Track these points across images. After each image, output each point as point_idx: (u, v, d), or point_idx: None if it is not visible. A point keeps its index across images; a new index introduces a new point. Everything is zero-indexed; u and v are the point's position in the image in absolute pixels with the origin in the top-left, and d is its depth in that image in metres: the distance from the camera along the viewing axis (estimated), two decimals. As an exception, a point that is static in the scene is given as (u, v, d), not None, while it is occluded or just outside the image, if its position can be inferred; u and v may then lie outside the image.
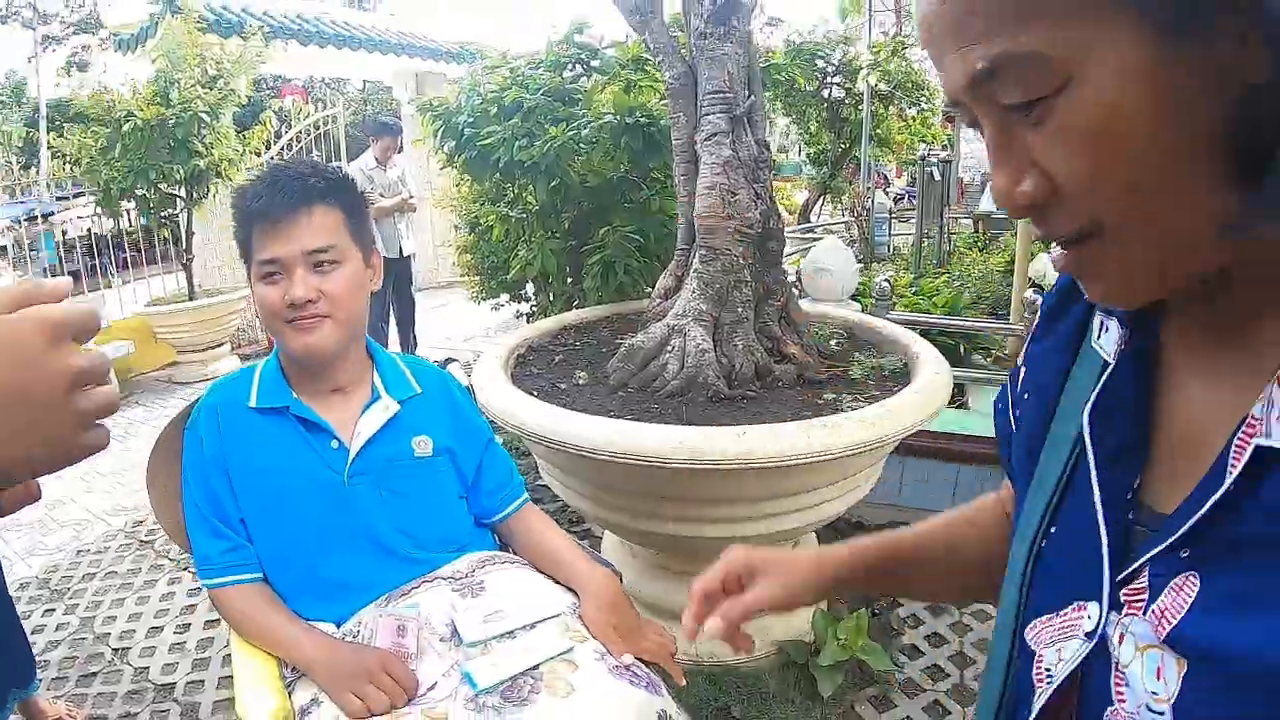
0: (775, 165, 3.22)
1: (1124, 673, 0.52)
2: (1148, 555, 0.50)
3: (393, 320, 5.57)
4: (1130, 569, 0.52)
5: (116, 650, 2.84)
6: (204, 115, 5.97)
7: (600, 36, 3.46)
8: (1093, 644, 0.54)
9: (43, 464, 0.51)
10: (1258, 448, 0.44)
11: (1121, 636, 0.52)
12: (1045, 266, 2.56)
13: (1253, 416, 0.45)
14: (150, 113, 5.82)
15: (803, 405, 2.01)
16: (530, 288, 3.62)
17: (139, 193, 6.08)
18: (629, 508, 1.91)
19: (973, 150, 13.66)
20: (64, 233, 9.61)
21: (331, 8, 10.20)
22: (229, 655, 2.71)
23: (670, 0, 2.61)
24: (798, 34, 6.29)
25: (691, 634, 0.77)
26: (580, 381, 2.17)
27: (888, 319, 2.80)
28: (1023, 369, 0.70)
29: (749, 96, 2.32)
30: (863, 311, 3.00)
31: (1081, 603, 0.56)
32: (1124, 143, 0.43)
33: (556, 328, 2.65)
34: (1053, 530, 0.60)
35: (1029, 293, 3.00)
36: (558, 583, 1.43)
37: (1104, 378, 0.57)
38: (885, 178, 11.17)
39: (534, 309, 3.70)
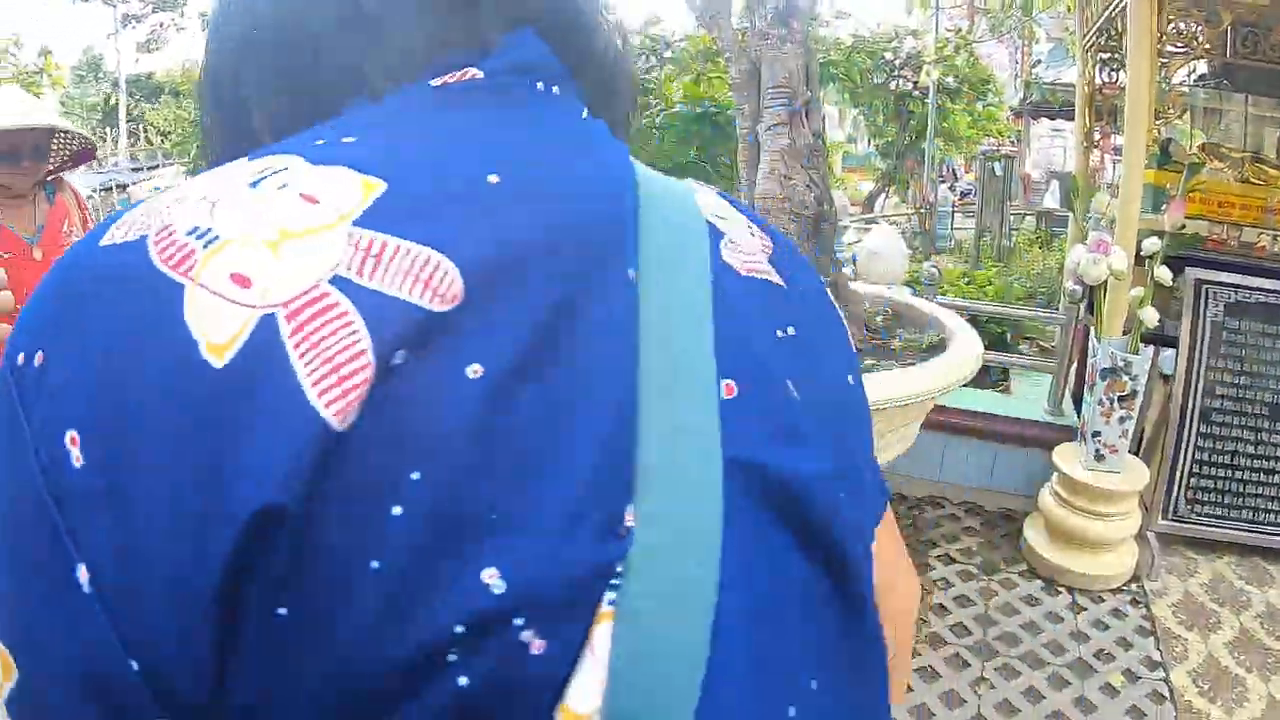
0: (844, 154, 3.41)
1: None
2: None
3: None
4: None
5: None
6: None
7: (672, 31, 3.71)
8: None
9: None
10: None
11: None
12: (1080, 256, 2.71)
13: None
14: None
15: (845, 369, 2.23)
16: None
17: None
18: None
19: (1041, 147, 13.51)
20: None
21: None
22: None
23: (736, 0, 2.84)
24: (866, 29, 6.42)
25: None
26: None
27: (933, 302, 2.99)
28: None
29: (806, 92, 2.54)
30: (911, 295, 3.20)
31: None
32: None
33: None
34: None
35: (1069, 284, 3.15)
36: None
37: None
38: (954, 173, 11.17)
39: None
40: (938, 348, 2.43)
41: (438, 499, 0.29)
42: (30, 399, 0.30)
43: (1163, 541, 3.00)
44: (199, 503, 0.27)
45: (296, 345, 0.29)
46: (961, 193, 9.31)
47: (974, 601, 2.72)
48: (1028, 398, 3.52)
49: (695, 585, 0.32)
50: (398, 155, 0.35)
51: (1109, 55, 4.00)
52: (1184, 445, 3.06)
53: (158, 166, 8.99)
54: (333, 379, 0.28)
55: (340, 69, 0.41)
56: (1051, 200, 7.98)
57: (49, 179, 2.44)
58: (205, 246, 0.30)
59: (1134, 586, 2.81)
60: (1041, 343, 4.08)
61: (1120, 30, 3.53)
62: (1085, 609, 2.69)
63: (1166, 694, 2.31)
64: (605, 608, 0.30)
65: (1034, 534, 2.96)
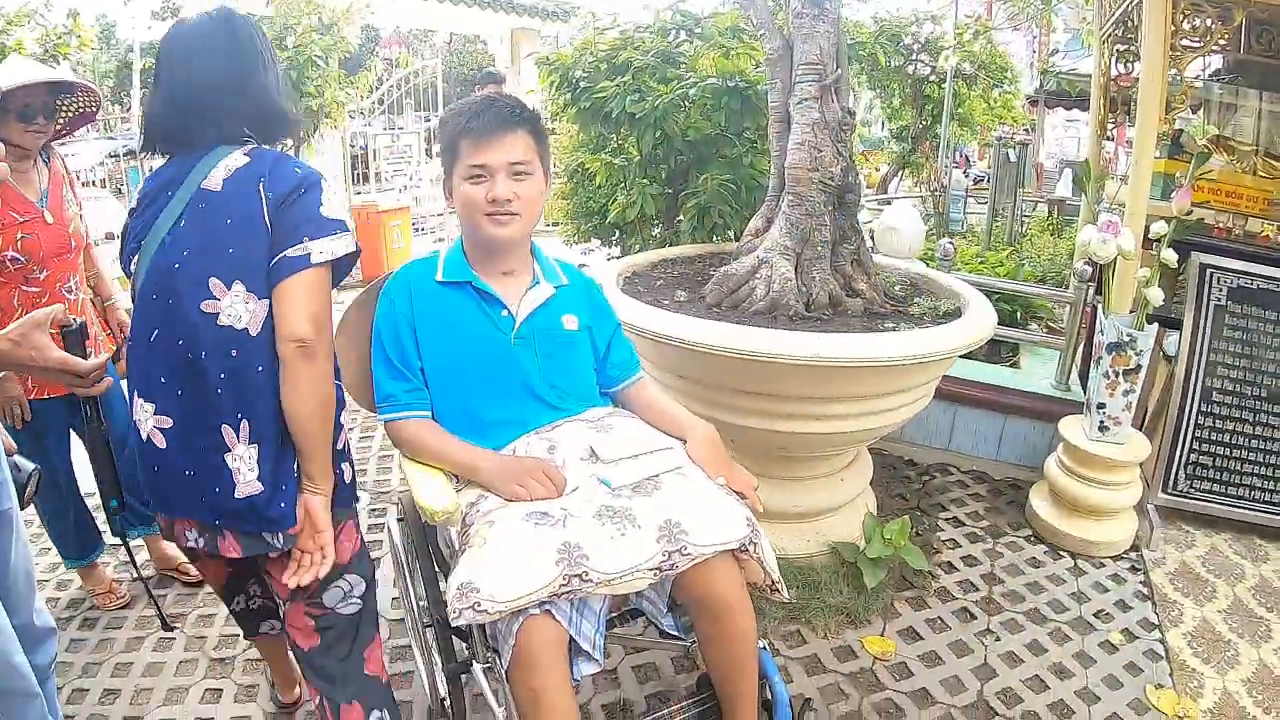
0: (859, 137, 3.52)
1: None
2: None
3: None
4: None
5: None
6: (317, 59, 6.36)
7: (701, 8, 3.80)
8: None
9: None
10: None
11: None
12: (1092, 235, 2.81)
13: None
14: (266, 56, 6.26)
15: (867, 330, 2.35)
16: (619, 234, 3.98)
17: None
18: (719, 401, 2.30)
19: (1056, 137, 13.55)
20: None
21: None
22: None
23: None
24: (885, 12, 6.46)
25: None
26: (680, 299, 2.55)
27: (948, 275, 3.09)
28: None
29: (837, 69, 2.64)
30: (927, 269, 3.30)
31: None
32: None
33: (657, 259, 3.05)
34: None
35: (1079, 264, 3.24)
36: (667, 434, 1.82)
37: None
38: (967, 158, 11.21)
39: (622, 255, 4.03)
40: (954, 315, 2.55)
41: None
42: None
43: (1162, 514, 3.11)
44: None
45: None
46: (975, 178, 9.38)
47: (980, 561, 2.84)
48: (1036, 373, 3.63)
49: None
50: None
51: (1125, 47, 4.08)
52: (1185, 423, 3.16)
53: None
54: None
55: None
56: (1064, 189, 8.06)
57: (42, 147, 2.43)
58: None
59: (1133, 554, 2.93)
60: (1051, 323, 4.18)
61: (1136, 23, 3.61)
62: (1086, 573, 2.82)
63: (1162, 653, 2.43)
64: None
65: (1039, 501, 3.08)
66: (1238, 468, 3.12)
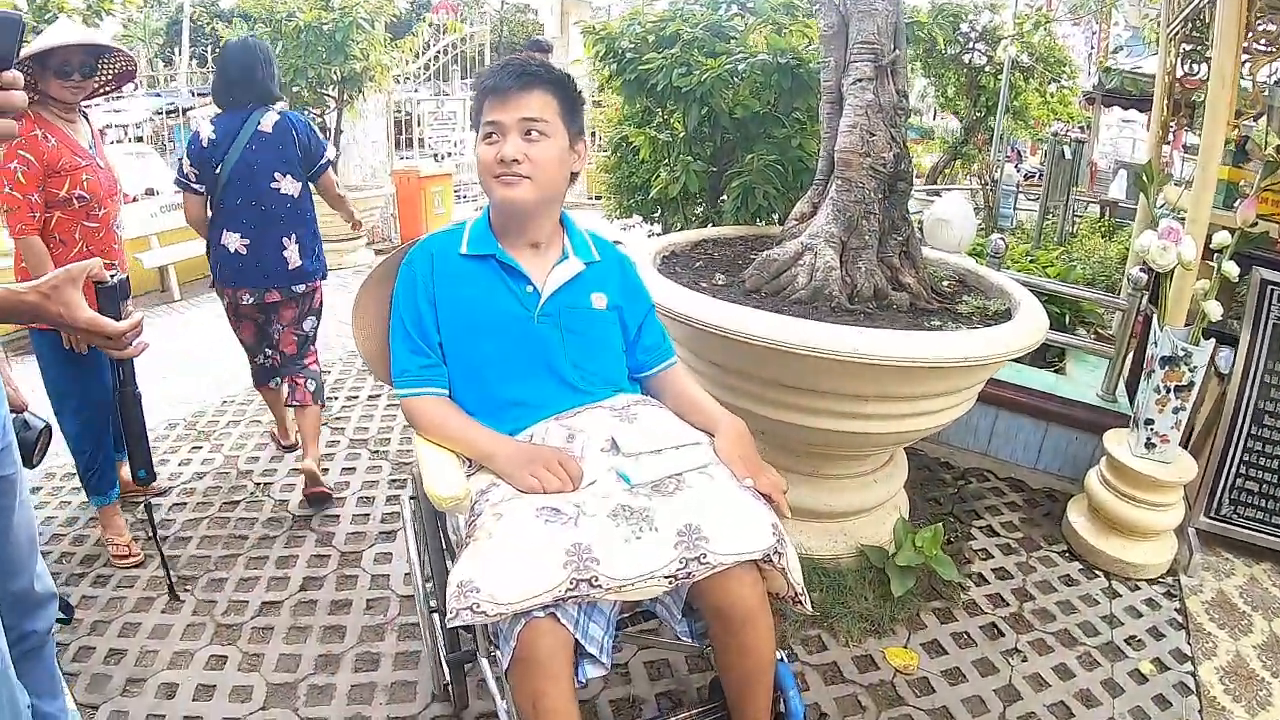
0: (910, 125, 3.38)
1: None
2: None
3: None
4: None
5: (259, 484, 3.23)
6: (362, 21, 6.29)
7: (753, -19, 3.65)
8: None
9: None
10: None
11: None
12: (1150, 241, 2.65)
13: None
14: (311, 15, 6.15)
15: (912, 326, 2.23)
16: (661, 211, 3.87)
17: (294, 90, 6.45)
18: (752, 392, 2.19)
19: (1110, 136, 13.15)
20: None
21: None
22: (363, 497, 3.12)
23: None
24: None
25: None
26: (719, 282, 2.45)
27: (999, 272, 2.95)
28: None
29: (894, 49, 2.50)
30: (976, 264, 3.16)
31: None
32: None
33: (697, 239, 2.94)
34: None
35: (1135, 269, 3.09)
36: (695, 428, 1.71)
37: None
38: (1019, 153, 10.91)
39: (664, 232, 3.92)
40: (1003, 316, 2.42)
41: None
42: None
43: (1202, 539, 2.97)
44: None
45: None
46: (1026, 174, 9.11)
47: (1012, 575, 2.72)
48: (1082, 381, 3.48)
49: None
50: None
51: (1192, 47, 3.88)
52: (1233, 445, 3.01)
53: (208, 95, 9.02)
54: None
55: None
56: (1117, 191, 7.81)
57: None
58: None
59: (1170, 579, 2.80)
60: (1100, 329, 4.02)
61: (1207, 21, 3.42)
62: (1120, 595, 2.69)
63: (1193, 687, 2.31)
64: None
65: (1076, 515, 2.95)
66: (1285, 496, 2.96)
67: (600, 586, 1.30)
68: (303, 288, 3.09)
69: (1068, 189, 6.15)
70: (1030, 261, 4.43)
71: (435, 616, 1.81)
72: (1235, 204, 2.77)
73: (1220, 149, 3.01)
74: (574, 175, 1.73)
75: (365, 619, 2.42)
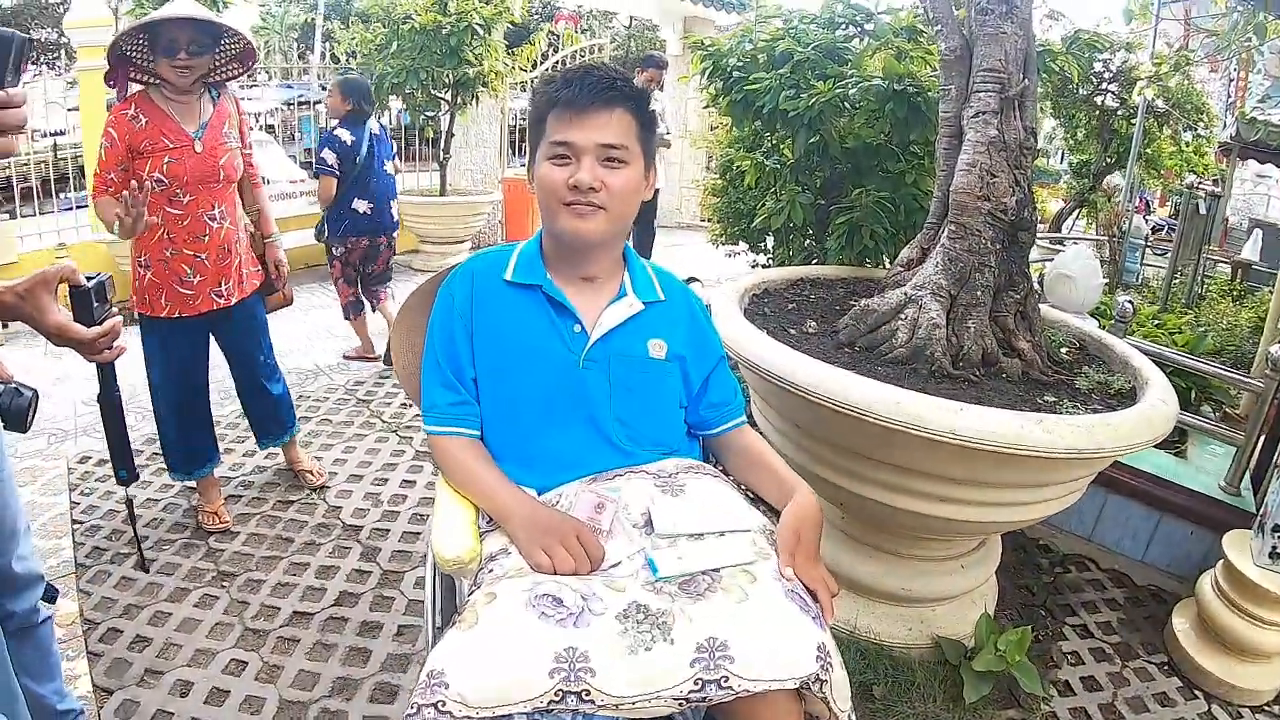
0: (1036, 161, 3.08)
1: None
2: None
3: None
4: None
5: (316, 488, 3.18)
6: (478, 27, 6.31)
7: (875, 1, 3.40)
8: None
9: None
10: None
11: None
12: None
13: None
14: (428, 18, 6.21)
15: (1022, 401, 1.96)
16: (769, 240, 3.66)
17: (408, 91, 6.53)
18: (832, 461, 1.96)
19: (1244, 191, 12.25)
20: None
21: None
22: (417, 514, 3.01)
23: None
24: (1081, 30, 5.84)
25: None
26: (809, 330, 2.22)
27: (1124, 341, 2.64)
28: None
29: (1023, 80, 2.24)
30: (1099, 329, 2.84)
31: None
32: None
33: (794, 277, 2.70)
34: None
35: (1276, 347, 2.71)
36: (754, 503, 1.48)
37: None
38: (1147, 203, 10.24)
39: (770, 262, 3.73)
40: (1127, 396, 2.12)
41: None
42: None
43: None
44: None
45: None
46: (1154, 226, 8.50)
47: (1102, 687, 2.40)
48: (1204, 468, 3.10)
49: None
50: None
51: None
52: (1374, 561, 2.60)
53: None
54: None
55: None
56: (1250, 251, 7.19)
57: (213, 82, 2.69)
58: None
59: (1277, 708, 2.43)
60: (1229, 408, 3.60)
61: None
62: None
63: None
64: None
65: (1181, 624, 2.60)
66: None
67: (592, 702, 1.09)
68: (395, 233, 4.76)
69: (1199, 247, 5.65)
70: (1157, 326, 4.03)
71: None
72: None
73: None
74: (653, 204, 1.54)
75: (393, 646, 2.30)
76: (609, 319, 1.48)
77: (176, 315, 2.67)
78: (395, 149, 4.95)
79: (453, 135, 7.03)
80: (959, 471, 1.78)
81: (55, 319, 1.28)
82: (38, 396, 1.37)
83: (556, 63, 9.17)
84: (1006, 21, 2.20)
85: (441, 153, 7.04)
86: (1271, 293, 5.63)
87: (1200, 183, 6.95)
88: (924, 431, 1.65)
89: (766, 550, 1.32)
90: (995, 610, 2.43)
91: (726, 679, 1.11)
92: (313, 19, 13.33)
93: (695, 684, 1.11)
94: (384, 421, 3.85)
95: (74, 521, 2.88)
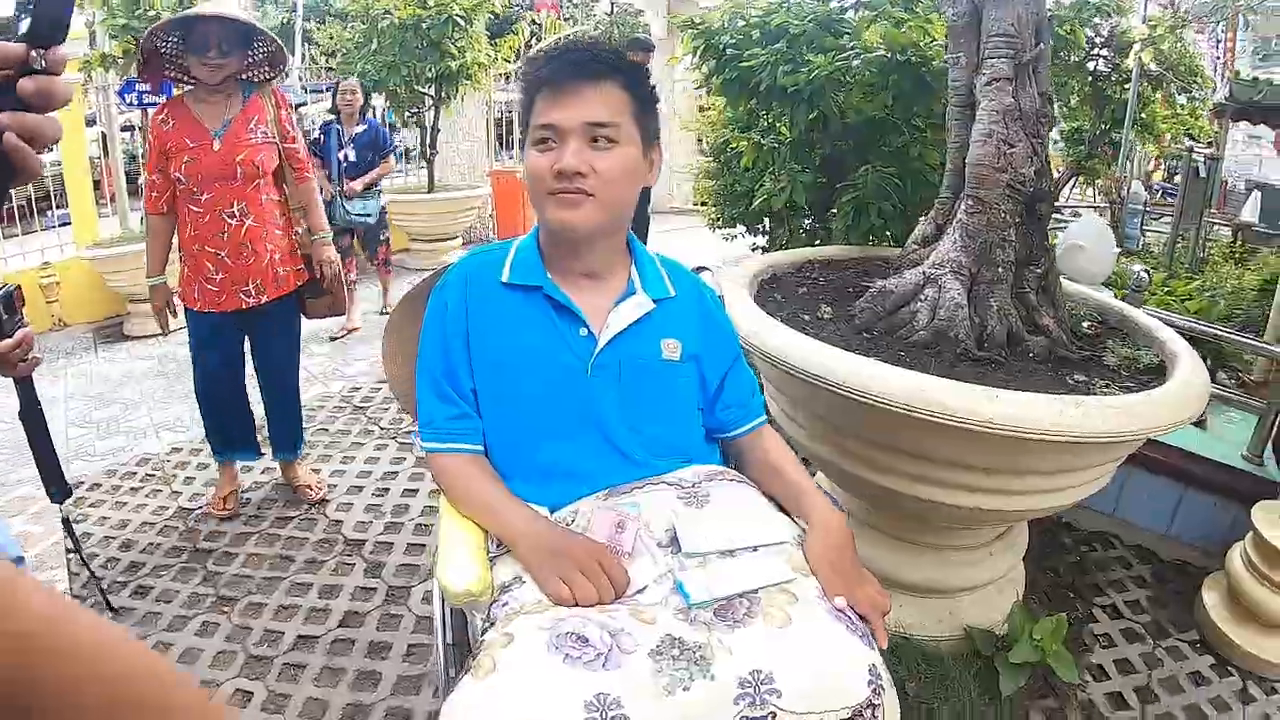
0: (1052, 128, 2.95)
1: None
2: None
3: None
4: None
5: (315, 503, 3.07)
6: (458, 19, 6.19)
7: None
8: None
9: None
10: None
11: None
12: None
13: None
14: (407, 12, 6.08)
15: (1051, 382, 1.87)
16: (767, 222, 3.55)
17: (390, 88, 6.41)
18: (857, 453, 1.85)
19: (1238, 154, 12.17)
20: (312, 123, 10.61)
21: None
22: (421, 524, 2.90)
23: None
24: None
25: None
26: (824, 316, 2.11)
27: (1143, 312, 2.55)
28: None
29: (1037, 44, 2.14)
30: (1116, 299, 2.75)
31: None
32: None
33: (801, 260, 2.58)
34: None
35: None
36: (783, 510, 1.38)
37: None
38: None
39: (769, 245, 3.64)
40: (1157, 371, 2.03)
41: None
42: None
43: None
44: None
45: None
46: (1159, 189, 8.43)
47: (1136, 669, 2.32)
48: (1226, 438, 3.03)
49: None
50: None
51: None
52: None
53: (322, 91, 9.11)
54: None
55: None
56: (1250, 213, 7.12)
57: (249, 80, 2.71)
58: None
59: (1314, 683, 2.36)
60: (1244, 375, 3.52)
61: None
62: (1255, 699, 2.26)
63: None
64: None
65: (1212, 598, 2.52)
66: None
67: None
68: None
69: (1200, 210, 5.57)
70: (1167, 293, 3.95)
71: None
72: None
73: None
74: (646, 191, 1.42)
75: (404, 667, 2.20)
76: (617, 320, 1.36)
77: (207, 311, 2.73)
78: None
79: (438, 130, 6.90)
80: (993, 461, 1.68)
81: None
82: (20, 289, 1.32)
83: (539, 52, 9.03)
84: (1018, -16, 2.10)
85: (429, 149, 6.91)
86: (1272, 255, 5.57)
87: (1195, 146, 6.87)
88: (953, 420, 1.55)
89: (804, 564, 1.22)
90: (1024, 595, 2.35)
91: (774, 716, 1.01)
92: (291, 19, 13.13)
93: None
94: (382, 428, 3.75)
95: (68, 551, 2.77)
